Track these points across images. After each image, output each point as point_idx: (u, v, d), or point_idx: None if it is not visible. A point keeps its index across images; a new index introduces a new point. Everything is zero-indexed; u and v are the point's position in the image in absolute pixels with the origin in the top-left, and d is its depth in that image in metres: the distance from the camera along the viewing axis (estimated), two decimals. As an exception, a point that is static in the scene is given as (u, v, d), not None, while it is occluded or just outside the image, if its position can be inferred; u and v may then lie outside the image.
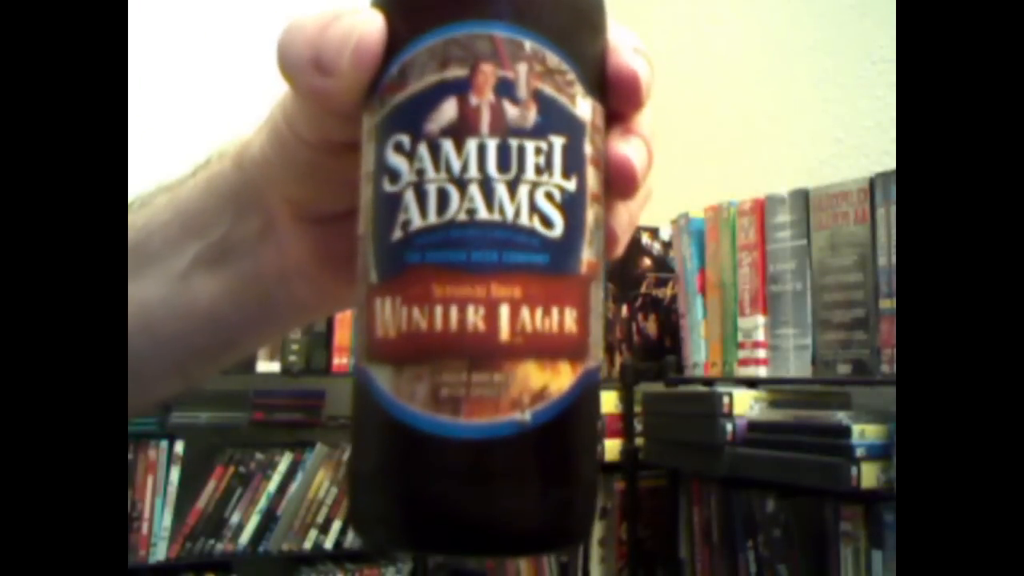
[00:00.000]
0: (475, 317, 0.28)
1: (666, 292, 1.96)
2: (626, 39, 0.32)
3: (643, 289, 1.96)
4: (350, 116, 0.31)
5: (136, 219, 0.39)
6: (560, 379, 0.28)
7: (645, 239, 1.98)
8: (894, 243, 1.40)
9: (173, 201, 0.39)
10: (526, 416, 0.28)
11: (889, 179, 1.44)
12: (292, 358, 2.32)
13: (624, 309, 1.94)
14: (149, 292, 0.38)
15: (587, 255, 0.30)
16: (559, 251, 0.29)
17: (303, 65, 0.31)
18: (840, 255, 1.51)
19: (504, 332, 0.28)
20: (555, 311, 0.28)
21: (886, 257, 1.43)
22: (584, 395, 0.29)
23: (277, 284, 0.39)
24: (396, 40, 0.30)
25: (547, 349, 0.28)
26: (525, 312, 0.28)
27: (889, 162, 1.64)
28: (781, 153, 2.00)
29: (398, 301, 0.28)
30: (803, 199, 1.58)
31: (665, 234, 1.97)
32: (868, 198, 1.46)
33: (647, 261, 1.98)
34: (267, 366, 2.30)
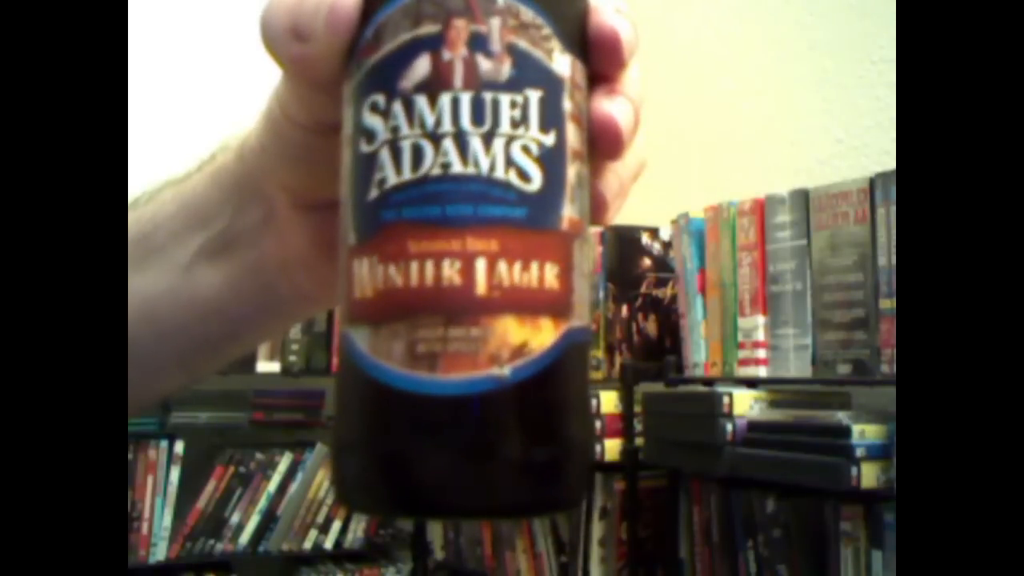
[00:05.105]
0: (451, 271, 0.27)
1: (666, 292, 1.96)
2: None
3: (643, 289, 1.96)
4: (334, 89, 0.31)
5: (143, 213, 0.39)
6: (541, 335, 0.28)
7: (645, 239, 1.98)
8: (894, 243, 1.40)
9: (179, 194, 0.40)
10: (504, 371, 0.27)
11: (889, 179, 1.43)
12: (292, 358, 2.32)
13: (624, 309, 1.94)
14: (153, 284, 0.39)
15: (568, 211, 0.29)
16: (537, 205, 0.28)
17: (282, 35, 0.31)
18: (840, 255, 1.51)
19: (481, 285, 0.27)
20: (534, 265, 0.28)
21: (886, 257, 1.42)
22: (568, 353, 0.28)
23: (279, 274, 0.39)
24: (372, 3, 0.30)
25: (526, 304, 0.28)
26: (502, 266, 0.27)
27: (889, 162, 1.64)
28: (781, 153, 1.99)
29: (375, 260, 0.28)
30: (803, 199, 1.58)
31: (665, 234, 1.97)
32: (868, 198, 1.46)
33: (647, 261, 1.97)
34: (267, 366, 2.30)
